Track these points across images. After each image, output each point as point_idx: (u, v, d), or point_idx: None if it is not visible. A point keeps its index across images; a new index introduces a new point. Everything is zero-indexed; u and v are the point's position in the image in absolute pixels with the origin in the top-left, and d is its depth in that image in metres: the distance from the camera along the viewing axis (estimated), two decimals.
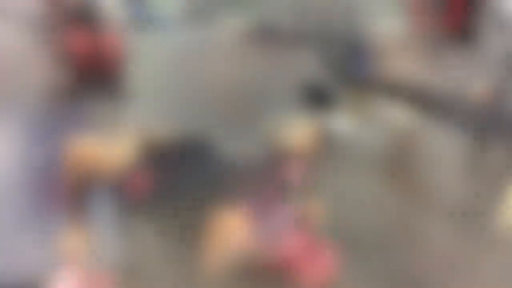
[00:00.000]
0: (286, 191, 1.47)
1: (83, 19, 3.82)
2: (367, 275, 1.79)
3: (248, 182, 1.41)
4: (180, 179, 1.35)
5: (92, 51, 3.81)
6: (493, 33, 2.48)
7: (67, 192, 1.42)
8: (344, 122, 3.02)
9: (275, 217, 1.44)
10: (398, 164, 2.93)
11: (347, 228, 2.20)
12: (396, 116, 3.10)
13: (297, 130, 1.63)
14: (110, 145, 1.42)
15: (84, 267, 1.38)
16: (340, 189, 2.60)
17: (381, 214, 2.33)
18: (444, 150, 3.17)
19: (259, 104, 1.59)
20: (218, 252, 1.23)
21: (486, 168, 2.87)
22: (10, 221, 1.90)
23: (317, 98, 3.30)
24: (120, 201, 1.81)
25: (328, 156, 3.06)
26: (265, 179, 1.44)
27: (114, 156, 1.36)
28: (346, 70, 3.12)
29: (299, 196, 1.70)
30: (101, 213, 1.99)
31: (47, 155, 2.52)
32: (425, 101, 2.62)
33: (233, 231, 1.29)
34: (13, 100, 3.42)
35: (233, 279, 1.14)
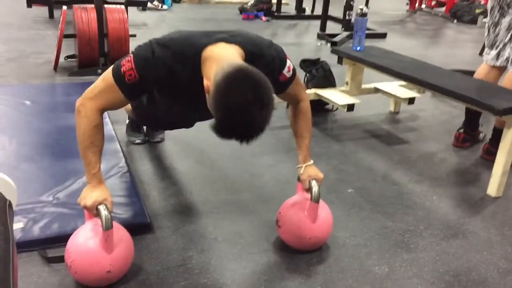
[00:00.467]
0: None
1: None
2: (362, 231, 1.94)
3: None
4: None
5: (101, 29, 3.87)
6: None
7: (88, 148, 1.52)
8: (343, 93, 3.13)
9: None
10: (395, 133, 3.06)
11: (347, 190, 2.34)
12: (392, 88, 3.21)
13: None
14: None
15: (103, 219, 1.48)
16: (341, 155, 2.75)
17: (377, 179, 2.48)
18: (437, 120, 3.31)
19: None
20: None
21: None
22: (41, 182, 2.03)
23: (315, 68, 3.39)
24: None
25: (330, 124, 3.20)
26: None
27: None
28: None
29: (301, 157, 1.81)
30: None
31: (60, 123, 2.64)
32: (420, 73, 2.73)
33: None
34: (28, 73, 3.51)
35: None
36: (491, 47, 2.70)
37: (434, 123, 3.23)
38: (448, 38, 6.70)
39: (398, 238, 1.92)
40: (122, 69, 1.46)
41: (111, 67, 1.51)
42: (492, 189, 2.29)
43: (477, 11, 7.43)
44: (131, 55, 1.48)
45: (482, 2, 7.78)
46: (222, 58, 1.38)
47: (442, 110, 3.48)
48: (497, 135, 2.47)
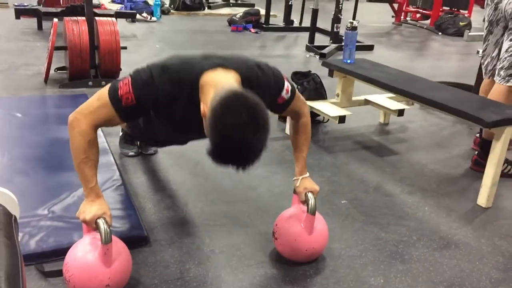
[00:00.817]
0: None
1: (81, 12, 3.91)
2: (357, 242, 1.96)
3: None
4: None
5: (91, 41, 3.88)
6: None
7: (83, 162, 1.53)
8: (334, 105, 3.17)
9: None
10: (385, 144, 3.10)
11: (341, 201, 2.36)
12: (382, 100, 3.25)
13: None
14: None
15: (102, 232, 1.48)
16: (334, 167, 2.77)
17: (369, 191, 2.51)
18: (426, 131, 3.36)
19: None
20: None
21: (465, 148, 3.04)
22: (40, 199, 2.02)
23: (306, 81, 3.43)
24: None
25: (321, 135, 3.23)
26: None
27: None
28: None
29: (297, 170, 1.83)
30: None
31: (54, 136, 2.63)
32: (408, 85, 2.78)
33: None
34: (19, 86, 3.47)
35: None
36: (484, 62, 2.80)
37: (423, 134, 3.28)
38: (433, 51, 6.81)
39: (392, 249, 1.95)
40: (119, 92, 1.46)
41: (108, 87, 1.50)
42: (482, 199, 2.33)
43: (461, 24, 7.57)
44: (129, 78, 1.48)
45: (466, 15, 7.93)
46: (219, 83, 1.40)
47: (430, 121, 3.53)
48: (485, 146, 2.52)
